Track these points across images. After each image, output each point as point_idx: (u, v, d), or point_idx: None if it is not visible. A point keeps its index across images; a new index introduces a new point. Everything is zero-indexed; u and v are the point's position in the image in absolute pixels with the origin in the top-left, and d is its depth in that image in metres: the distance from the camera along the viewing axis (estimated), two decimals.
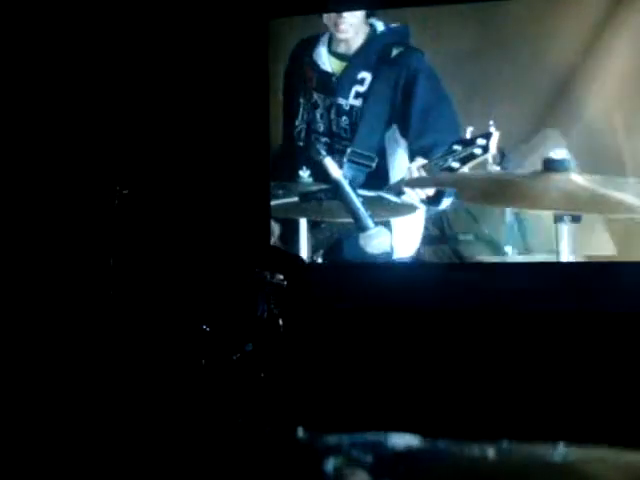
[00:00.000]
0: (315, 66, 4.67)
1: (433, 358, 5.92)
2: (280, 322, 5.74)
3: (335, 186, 3.69)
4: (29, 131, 6.43)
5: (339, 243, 4.92)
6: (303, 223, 4.52)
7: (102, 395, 5.25)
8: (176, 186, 6.51)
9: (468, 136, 4.28)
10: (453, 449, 4.72)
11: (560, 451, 4.59)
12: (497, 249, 4.09)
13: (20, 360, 5.80)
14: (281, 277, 5.85)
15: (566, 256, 4.16)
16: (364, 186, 4.55)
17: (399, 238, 4.38)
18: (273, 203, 4.36)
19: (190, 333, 5.76)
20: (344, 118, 4.64)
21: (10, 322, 6.07)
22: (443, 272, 6.26)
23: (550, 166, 3.85)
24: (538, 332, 5.88)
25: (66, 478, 3.95)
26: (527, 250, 4.09)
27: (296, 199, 3.97)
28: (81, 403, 5.14)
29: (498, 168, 4.13)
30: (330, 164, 4.16)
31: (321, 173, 4.13)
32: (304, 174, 4.29)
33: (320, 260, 4.91)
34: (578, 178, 3.67)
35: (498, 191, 4.04)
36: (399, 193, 4.32)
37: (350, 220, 4.40)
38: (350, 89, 4.43)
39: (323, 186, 4.04)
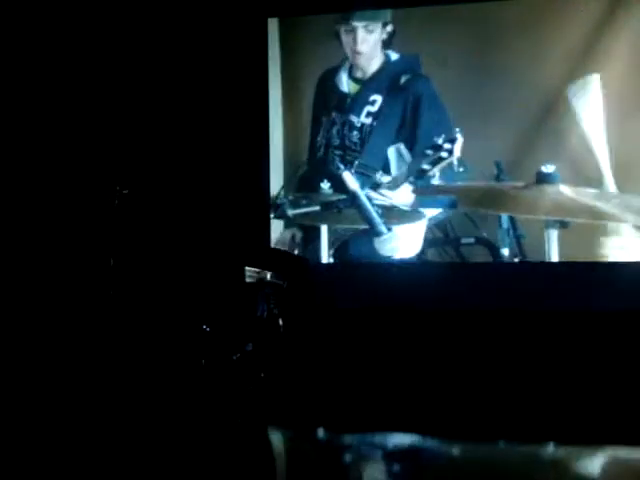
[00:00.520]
0: (335, 88, 5.13)
1: (434, 358, 5.92)
2: (280, 322, 5.74)
3: (352, 196, 4.06)
4: (29, 131, 6.43)
5: (347, 243, 5.21)
6: (324, 230, 4.91)
7: (102, 395, 5.25)
8: (176, 186, 6.51)
9: (439, 142, 4.66)
10: (454, 449, 4.72)
11: (560, 451, 4.59)
12: (494, 251, 4.42)
13: (20, 360, 5.80)
14: (281, 277, 5.86)
15: (556, 259, 4.49)
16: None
17: (405, 242, 4.68)
18: (297, 211, 4.77)
19: (190, 333, 5.76)
20: (355, 133, 5.08)
21: (11, 322, 6.07)
22: (444, 272, 6.26)
23: (542, 179, 4.19)
24: (538, 332, 5.89)
25: (66, 478, 3.95)
26: (521, 253, 4.43)
27: (318, 208, 4.25)
28: (81, 403, 5.14)
29: (462, 169, 4.49)
30: (348, 177, 4.56)
31: (340, 185, 4.49)
32: (325, 186, 4.71)
33: (331, 259, 5.23)
34: (566, 189, 3.98)
35: (497, 200, 4.36)
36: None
37: (365, 226, 4.73)
38: (362, 108, 4.90)
39: (342, 197, 4.39)
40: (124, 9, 6.50)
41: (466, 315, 6.03)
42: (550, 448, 4.65)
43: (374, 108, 5.02)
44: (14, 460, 4.13)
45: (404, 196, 4.57)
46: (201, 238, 6.44)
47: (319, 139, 5.22)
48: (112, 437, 4.56)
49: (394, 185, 4.57)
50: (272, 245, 5.65)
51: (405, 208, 4.59)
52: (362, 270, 6.44)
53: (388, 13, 5.05)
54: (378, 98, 5.00)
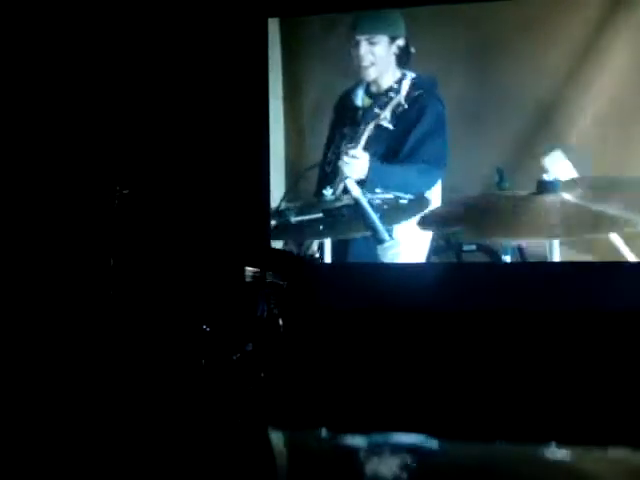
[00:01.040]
0: (351, 104, 5.14)
1: (433, 359, 5.92)
2: (280, 322, 5.74)
3: (355, 203, 3.74)
4: (29, 131, 6.43)
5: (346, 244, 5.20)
6: (327, 243, 4.92)
7: (102, 395, 5.25)
8: (176, 186, 6.51)
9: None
10: (454, 449, 4.72)
11: (560, 451, 4.59)
12: (496, 259, 4.34)
13: (20, 360, 5.80)
14: (281, 277, 5.86)
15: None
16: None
17: (408, 248, 4.63)
18: (300, 218, 4.73)
19: (190, 333, 5.76)
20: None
21: (11, 322, 6.07)
22: (444, 273, 6.26)
23: (543, 188, 4.08)
24: (538, 332, 5.89)
25: (66, 478, 3.95)
26: (522, 259, 4.42)
27: (320, 215, 4.26)
28: (81, 403, 5.14)
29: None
30: (351, 184, 4.50)
31: (343, 192, 4.47)
32: (327, 192, 4.64)
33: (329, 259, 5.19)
34: (569, 197, 3.87)
35: (496, 223, 4.26)
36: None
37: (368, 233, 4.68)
38: (371, 121, 4.88)
39: (345, 203, 4.31)
40: (124, 9, 6.50)
41: (466, 316, 6.03)
42: (551, 448, 4.65)
43: (382, 121, 5.06)
44: (14, 460, 4.13)
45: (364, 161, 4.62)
46: (201, 238, 6.44)
47: (329, 155, 5.24)
48: (112, 437, 4.56)
49: (356, 142, 4.62)
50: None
51: (407, 196, 4.53)
52: (362, 271, 6.44)
53: (396, 27, 5.00)
54: (387, 112, 5.02)
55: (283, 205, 4.81)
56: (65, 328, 6.07)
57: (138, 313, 5.99)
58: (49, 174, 6.41)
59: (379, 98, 5.08)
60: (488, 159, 5.18)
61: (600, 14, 6.01)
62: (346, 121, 5.26)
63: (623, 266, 5.87)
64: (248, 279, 5.90)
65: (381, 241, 3.99)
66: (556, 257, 4.33)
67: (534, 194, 4.21)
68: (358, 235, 4.56)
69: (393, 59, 4.86)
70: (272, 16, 6.29)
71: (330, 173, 4.86)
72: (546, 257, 4.36)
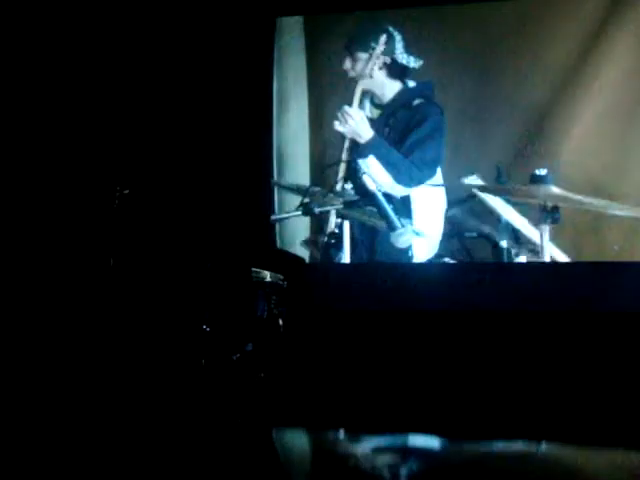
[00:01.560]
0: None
1: (433, 359, 5.92)
2: (280, 322, 5.74)
3: (372, 196, 4.44)
4: (29, 131, 6.43)
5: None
6: (346, 224, 5.28)
7: (102, 395, 5.25)
8: (176, 186, 6.52)
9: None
10: (455, 449, 4.72)
11: (560, 451, 4.59)
12: (494, 244, 4.85)
13: (20, 360, 5.80)
14: (281, 277, 5.86)
15: (547, 253, 4.92)
16: None
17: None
18: (323, 209, 5.11)
19: (190, 333, 5.76)
20: None
21: (10, 322, 6.07)
22: (444, 273, 6.26)
23: (535, 180, 4.71)
24: (538, 332, 5.88)
25: (66, 478, 3.95)
26: (517, 244, 4.91)
27: (341, 206, 4.90)
28: (81, 403, 5.14)
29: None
30: (368, 180, 4.98)
31: (361, 186, 4.93)
32: (347, 187, 5.16)
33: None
34: (556, 190, 4.55)
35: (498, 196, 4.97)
36: None
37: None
38: (382, 129, 5.35)
39: (362, 196, 4.95)
40: (124, 9, 6.50)
41: (466, 316, 6.03)
42: (550, 448, 4.65)
43: (385, 130, 5.47)
44: (14, 460, 4.13)
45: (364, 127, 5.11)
46: (201, 238, 6.44)
47: (344, 156, 5.58)
48: (112, 437, 4.56)
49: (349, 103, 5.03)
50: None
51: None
52: (362, 270, 6.44)
53: (378, 37, 5.27)
54: (391, 121, 5.46)
55: (307, 199, 5.18)
56: (65, 328, 6.07)
57: (138, 313, 5.98)
58: (49, 174, 6.42)
59: (384, 109, 5.49)
60: (488, 157, 5.45)
61: (600, 13, 6.03)
62: None
63: (623, 266, 5.89)
64: (248, 279, 5.91)
65: (394, 228, 4.49)
66: (546, 243, 4.81)
67: (527, 185, 4.81)
68: (372, 222, 5.04)
69: (383, 73, 5.24)
70: (281, 15, 6.21)
71: (349, 170, 5.24)
72: (537, 242, 4.85)
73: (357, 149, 5.39)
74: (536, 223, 4.73)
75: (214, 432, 4.77)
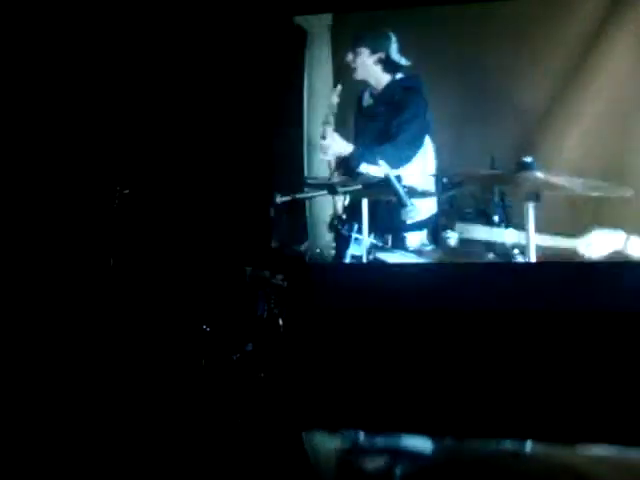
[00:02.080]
0: (361, 103, 6.13)
1: (433, 358, 5.92)
2: (280, 322, 5.74)
3: (386, 178, 5.02)
4: (29, 131, 6.43)
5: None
6: (365, 203, 5.83)
7: (102, 395, 5.25)
8: (176, 186, 6.52)
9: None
10: (453, 449, 4.72)
11: (560, 451, 4.59)
12: (488, 219, 5.52)
13: (20, 360, 5.80)
14: (281, 277, 5.86)
15: (532, 227, 5.42)
16: None
17: (422, 210, 5.50)
18: (345, 189, 5.62)
19: (190, 333, 5.76)
20: None
21: (10, 322, 6.07)
22: (443, 272, 6.27)
23: (522, 166, 5.33)
24: (538, 332, 5.89)
25: (66, 478, 3.95)
26: (507, 219, 5.52)
27: (360, 187, 5.44)
28: (81, 403, 5.14)
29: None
30: (383, 164, 5.65)
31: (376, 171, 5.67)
32: (364, 170, 5.76)
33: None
34: (540, 174, 5.24)
35: (491, 180, 5.62)
36: None
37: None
38: (375, 116, 5.94)
39: (378, 178, 5.44)
40: (125, 9, 6.50)
41: (466, 316, 6.03)
42: (550, 448, 4.65)
43: (377, 116, 6.06)
44: (14, 460, 4.13)
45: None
46: (201, 238, 6.44)
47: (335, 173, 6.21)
48: (112, 437, 4.56)
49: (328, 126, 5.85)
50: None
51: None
52: (362, 270, 6.45)
53: (378, 44, 5.87)
54: (382, 109, 6.04)
55: (333, 179, 5.94)
56: (65, 328, 6.07)
57: (138, 313, 5.98)
58: (49, 174, 6.41)
59: (377, 98, 6.03)
60: (485, 148, 5.87)
61: (600, 12, 6.06)
62: (358, 118, 6.15)
63: (623, 266, 5.89)
64: (248, 279, 5.91)
65: (404, 205, 5.01)
66: (531, 219, 5.40)
67: (515, 170, 5.40)
68: (387, 198, 5.57)
69: (379, 68, 5.84)
70: (297, 14, 6.42)
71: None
72: (525, 219, 5.42)
73: (347, 161, 6.05)
74: (522, 201, 5.39)
75: (214, 432, 4.77)
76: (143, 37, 6.52)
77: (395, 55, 5.81)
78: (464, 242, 5.73)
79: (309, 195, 5.98)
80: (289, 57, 6.13)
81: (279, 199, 5.42)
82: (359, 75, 5.92)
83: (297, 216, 6.06)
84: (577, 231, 5.69)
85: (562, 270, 6.07)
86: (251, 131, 6.61)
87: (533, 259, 5.51)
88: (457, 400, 5.31)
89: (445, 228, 5.64)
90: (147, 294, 6.17)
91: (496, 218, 5.60)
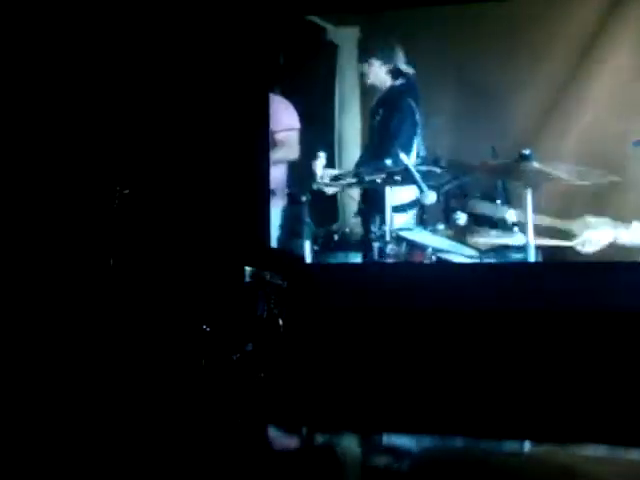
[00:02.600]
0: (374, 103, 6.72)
1: (433, 358, 5.92)
2: (280, 322, 5.75)
3: (405, 168, 6.02)
4: (29, 131, 6.43)
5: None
6: (388, 190, 6.35)
7: (102, 395, 5.25)
8: (176, 186, 6.51)
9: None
10: (453, 449, 4.72)
11: (560, 451, 4.59)
12: (491, 200, 6.13)
13: (20, 360, 5.80)
14: (281, 277, 5.86)
15: (530, 209, 5.99)
16: None
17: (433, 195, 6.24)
18: (370, 177, 6.34)
19: (190, 333, 5.76)
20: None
21: (10, 322, 6.07)
22: (443, 272, 6.27)
23: (521, 158, 5.93)
24: (538, 332, 5.89)
25: (66, 478, 3.95)
26: (508, 202, 6.11)
27: (384, 175, 6.25)
28: (81, 403, 5.14)
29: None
30: (403, 157, 6.21)
31: (398, 161, 6.25)
32: (387, 162, 6.31)
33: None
34: (537, 165, 5.88)
35: (495, 170, 6.21)
36: None
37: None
38: (374, 117, 6.63)
39: (399, 168, 6.24)
40: (124, 9, 6.50)
41: (466, 315, 6.04)
42: (550, 448, 4.65)
43: (377, 117, 6.70)
44: (14, 460, 4.13)
45: None
46: (201, 238, 6.44)
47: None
48: (112, 437, 4.56)
49: None
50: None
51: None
52: (363, 270, 6.45)
53: (389, 57, 6.54)
54: (381, 110, 6.67)
55: (359, 170, 6.51)
56: (65, 328, 6.07)
57: (138, 313, 5.99)
58: (49, 174, 6.41)
59: (380, 100, 6.64)
60: (488, 142, 6.28)
61: (599, 12, 6.09)
62: (368, 116, 6.78)
63: (624, 266, 5.90)
64: (248, 279, 5.91)
65: (422, 191, 5.98)
66: (529, 203, 5.97)
67: (516, 161, 5.99)
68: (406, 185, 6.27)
69: (389, 77, 6.52)
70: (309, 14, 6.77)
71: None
72: (524, 201, 6.00)
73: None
74: (522, 186, 6.00)
75: (214, 432, 4.78)
76: (142, 37, 6.51)
77: (402, 65, 6.48)
78: (471, 222, 6.22)
79: (341, 183, 6.54)
80: (323, 66, 6.81)
81: (315, 186, 6.45)
82: (370, 81, 6.59)
83: (329, 199, 6.61)
84: (570, 214, 6.12)
85: (562, 270, 6.08)
86: (250, 130, 6.62)
87: (531, 237, 6.00)
88: (457, 400, 5.31)
89: (455, 210, 6.17)
90: (147, 294, 6.17)
91: (499, 201, 6.14)
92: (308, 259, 6.43)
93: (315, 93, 6.75)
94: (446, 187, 6.13)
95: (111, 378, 5.45)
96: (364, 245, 6.37)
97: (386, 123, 6.52)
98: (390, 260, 6.24)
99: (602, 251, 5.98)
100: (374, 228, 6.27)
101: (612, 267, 5.93)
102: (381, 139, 6.55)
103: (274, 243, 6.65)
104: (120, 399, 5.21)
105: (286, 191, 6.63)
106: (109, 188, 5.92)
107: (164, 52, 6.54)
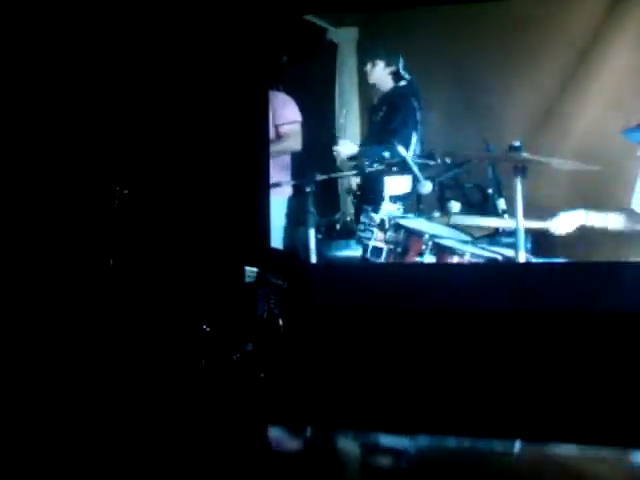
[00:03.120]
0: (372, 102, 7.02)
1: (432, 358, 5.92)
2: (280, 322, 5.75)
3: (403, 159, 6.29)
4: (29, 131, 6.43)
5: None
6: (388, 180, 6.57)
7: (102, 395, 5.25)
8: (176, 186, 6.51)
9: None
10: (452, 449, 4.73)
11: (560, 451, 4.59)
12: (483, 192, 6.34)
13: (20, 360, 5.80)
14: (281, 277, 5.87)
15: (520, 197, 6.12)
16: None
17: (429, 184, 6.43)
18: (370, 169, 6.54)
19: (190, 333, 5.76)
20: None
21: (10, 322, 6.07)
22: (443, 272, 6.27)
23: (512, 149, 6.13)
24: (537, 333, 5.89)
25: (66, 478, 3.95)
26: (499, 192, 6.29)
27: (383, 167, 6.48)
28: (81, 403, 5.14)
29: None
30: (401, 149, 6.41)
31: (396, 153, 6.49)
32: (386, 154, 6.50)
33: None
34: (526, 154, 6.06)
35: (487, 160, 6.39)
36: None
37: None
38: (377, 115, 6.90)
39: (397, 160, 6.47)
40: (124, 9, 6.50)
41: (466, 316, 6.04)
42: (550, 448, 4.65)
43: (379, 116, 6.97)
44: (14, 460, 4.13)
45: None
46: (201, 238, 6.44)
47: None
48: (112, 437, 4.56)
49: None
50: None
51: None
52: (363, 270, 6.45)
53: (391, 58, 6.77)
54: (383, 109, 6.94)
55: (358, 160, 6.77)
56: (65, 328, 6.07)
57: (138, 313, 5.99)
58: (49, 174, 6.41)
59: (381, 99, 6.91)
60: (480, 135, 6.45)
61: (600, 11, 6.12)
62: (369, 113, 7.07)
63: (623, 266, 5.90)
64: (248, 279, 5.91)
65: (419, 180, 6.21)
66: (519, 191, 6.10)
67: (506, 152, 6.18)
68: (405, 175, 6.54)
69: (390, 78, 6.82)
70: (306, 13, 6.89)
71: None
72: (514, 190, 6.15)
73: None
74: (511, 177, 6.18)
75: (214, 432, 4.78)
76: (142, 37, 6.52)
77: (402, 71, 6.81)
78: (464, 210, 6.38)
79: (341, 174, 6.77)
80: (324, 64, 7.00)
81: (319, 177, 6.53)
82: (371, 80, 6.86)
83: (331, 190, 6.81)
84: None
85: (562, 270, 6.08)
86: (250, 130, 6.62)
87: (521, 223, 6.11)
88: (456, 400, 5.31)
89: (449, 199, 6.36)
90: (147, 294, 6.17)
91: (490, 190, 6.32)
92: (312, 245, 6.53)
93: (316, 90, 7.00)
94: (441, 177, 6.40)
95: (111, 378, 5.45)
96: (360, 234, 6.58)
97: (388, 120, 6.79)
98: (390, 247, 6.42)
99: (574, 233, 6.12)
100: (366, 218, 6.47)
101: (612, 267, 5.94)
102: (381, 134, 6.82)
103: (280, 232, 6.82)
104: (120, 399, 5.21)
105: (291, 182, 6.84)
106: (109, 188, 5.93)
107: (164, 52, 6.54)
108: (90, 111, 6.50)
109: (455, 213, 6.33)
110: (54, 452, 4.27)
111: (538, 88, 6.37)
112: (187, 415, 5.04)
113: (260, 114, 6.68)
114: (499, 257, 6.24)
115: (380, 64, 6.88)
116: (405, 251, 6.41)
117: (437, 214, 6.39)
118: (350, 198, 6.79)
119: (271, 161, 6.85)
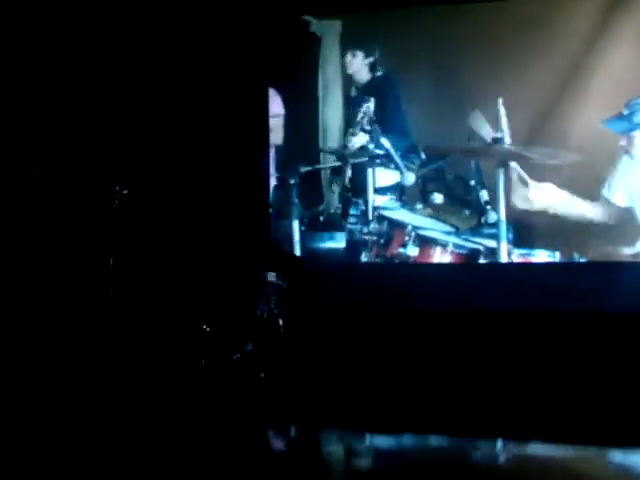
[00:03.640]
0: (351, 93, 7.10)
1: (432, 358, 5.93)
2: (280, 322, 5.75)
3: (387, 151, 6.34)
4: (29, 131, 6.43)
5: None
6: (370, 172, 6.60)
7: (102, 395, 5.25)
8: (176, 186, 6.51)
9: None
10: (452, 449, 4.73)
11: (560, 451, 4.59)
12: (466, 183, 6.37)
13: (20, 360, 5.80)
14: (281, 277, 5.86)
15: (502, 188, 6.27)
16: None
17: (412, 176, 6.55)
18: (353, 161, 6.62)
19: (190, 333, 5.76)
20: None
21: (10, 322, 6.07)
22: (443, 272, 6.27)
23: (494, 140, 6.25)
24: (537, 333, 5.89)
25: (66, 478, 3.95)
26: (481, 183, 6.33)
27: (367, 159, 6.54)
28: (81, 403, 5.15)
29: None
30: (385, 141, 6.47)
31: (380, 145, 6.57)
32: (370, 146, 6.59)
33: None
34: (510, 147, 6.22)
35: (469, 152, 6.47)
36: None
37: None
38: (360, 105, 6.86)
39: (381, 152, 6.54)
40: (124, 8, 6.50)
41: (466, 316, 6.04)
42: (550, 448, 4.65)
43: (368, 107, 6.91)
44: (14, 460, 4.13)
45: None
46: (200, 238, 6.44)
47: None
48: (112, 437, 4.56)
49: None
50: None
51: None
52: (363, 271, 6.45)
53: (370, 50, 6.84)
54: (371, 102, 6.92)
55: (345, 150, 6.79)
56: (65, 328, 6.07)
57: (138, 313, 5.99)
58: (49, 174, 6.41)
59: (362, 90, 6.98)
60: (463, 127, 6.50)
61: (600, 11, 6.12)
62: (349, 106, 7.10)
63: (623, 266, 5.90)
64: (248, 279, 5.92)
65: (402, 172, 6.29)
66: (501, 182, 6.26)
67: (489, 144, 6.29)
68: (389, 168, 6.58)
69: (367, 68, 6.88)
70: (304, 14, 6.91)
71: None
72: (497, 182, 6.29)
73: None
74: (495, 167, 6.30)
75: (214, 432, 4.78)
76: (142, 37, 6.52)
77: (378, 63, 6.88)
78: (447, 201, 6.44)
79: (325, 165, 6.81)
80: (307, 57, 7.00)
81: (302, 169, 6.58)
82: (350, 70, 6.91)
83: (315, 182, 6.81)
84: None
85: (561, 270, 6.09)
86: (249, 129, 6.62)
87: (503, 214, 6.21)
88: (456, 400, 5.31)
89: (432, 191, 6.41)
90: (147, 294, 6.17)
91: (473, 182, 6.35)
92: (296, 237, 6.58)
93: (299, 82, 7.02)
94: (424, 169, 6.45)
95: (111, 378, 5.45)
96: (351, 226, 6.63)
97: (374, 112, 6.80)
98: (373, 238, 6.50)
99: (552, 222, 6.21)
100: (354, 210, 6.54)
101: (612, 267, 5.94)
102: (364, 126, 6.86)
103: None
104: (120, 399, 5.21)
105: (275, 174, 6.83)
106: (109, 188, 5.93)
107: (163, 51, 6.54)
108: (90, 112, 6.50)
109: (438, 204, 6.36)
110: (54, 452, 4.27)
111: (530, 85, 6.31)
112: (187, 415, 5.04)
113: (260, 111, 6.68)
114: (481, 248, 6.30)
115: (359, 55, 6.91)
116: (388, 242, 6.46)
117: (420, 206, 6.43)
118: (338, 190, 6.78)
119: None
